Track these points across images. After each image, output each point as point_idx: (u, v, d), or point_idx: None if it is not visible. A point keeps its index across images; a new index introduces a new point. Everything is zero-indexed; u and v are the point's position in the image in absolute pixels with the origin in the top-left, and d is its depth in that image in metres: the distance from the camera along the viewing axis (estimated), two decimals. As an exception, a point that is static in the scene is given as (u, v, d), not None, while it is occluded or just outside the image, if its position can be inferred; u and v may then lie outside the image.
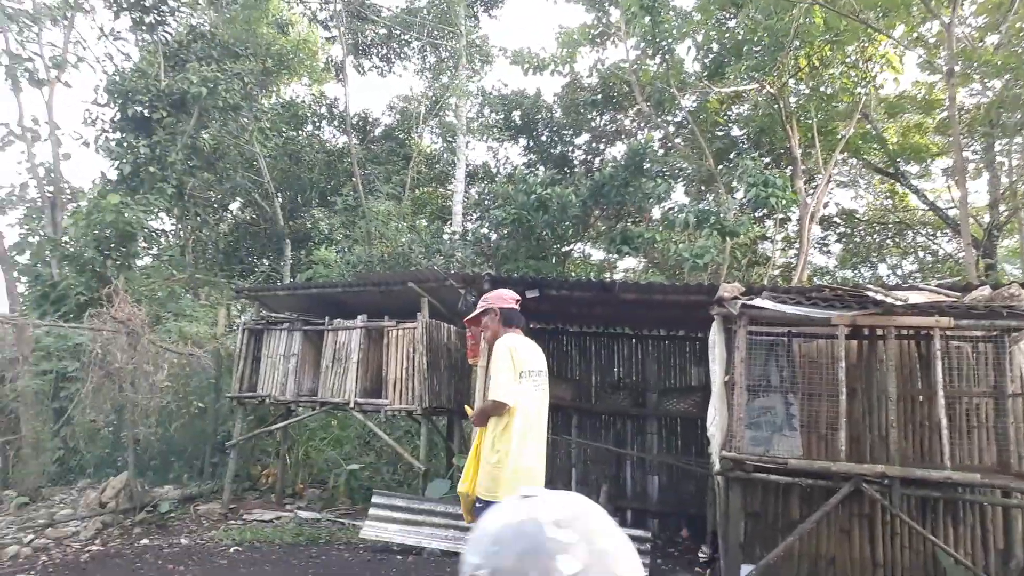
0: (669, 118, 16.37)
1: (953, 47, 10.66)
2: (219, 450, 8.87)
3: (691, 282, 8.15)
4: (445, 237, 14.45)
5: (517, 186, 12.14)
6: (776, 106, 13.35)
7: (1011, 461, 4.56)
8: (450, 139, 18.44)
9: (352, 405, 7.60)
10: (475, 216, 17.72)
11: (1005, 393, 4.78)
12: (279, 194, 17.31)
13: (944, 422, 4.42)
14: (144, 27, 14.55)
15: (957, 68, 10.88)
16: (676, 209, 11.76)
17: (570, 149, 18.20)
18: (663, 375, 8.15)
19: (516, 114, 17.50)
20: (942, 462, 4.40)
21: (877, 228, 18.25)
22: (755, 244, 16.08)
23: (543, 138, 17.91)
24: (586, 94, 16.83)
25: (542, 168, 16.81)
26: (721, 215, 10.83)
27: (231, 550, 6.29)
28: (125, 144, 13.04)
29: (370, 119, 19.91)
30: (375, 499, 6.71)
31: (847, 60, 13.38)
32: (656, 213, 14.40)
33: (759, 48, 12.93)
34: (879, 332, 5.11)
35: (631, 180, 11.85)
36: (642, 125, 17.25)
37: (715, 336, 5.12)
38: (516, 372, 3.92)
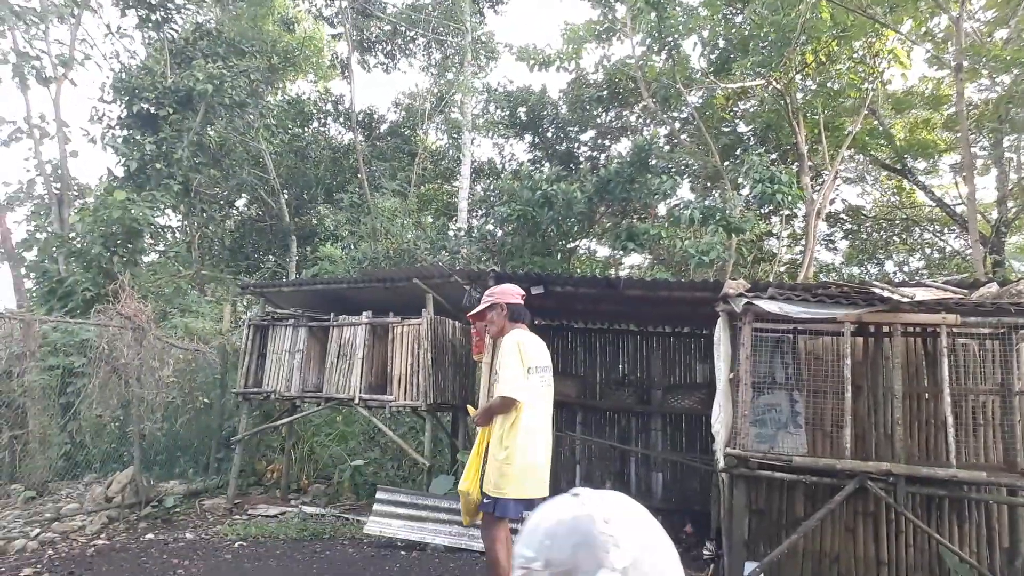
0: (675, 114, 16.32)
1: (962, 42, 10.58)
2: (224, 445, 8.91)
3: (696, 279, 8.11)
4: (450, 233, 14.46)
5: (522, 182, 12.12)
6: (783, 102, 13.29)
7: (1017, 459, 4.53)
8: (455, 135, 18.44)
9: (357, 401, 7.62)
10: (480, 212, 17.72)
11: (1012, 391, 4.74)
12: (285, 190, 17.34)
13: (950, 420, 4.39)
14: (150, 24, 14.60)
15: (966, 63, 10.80)
16: (682, 205, 11.71)
17: (575, 145, 18.18)
18: (668, 372, 8.13)
19: (521, 110, 17.49)
20: (948, 460, 4.37)
21: (884, 225, 18.17)
22: (761, 240, 16.04)
23: (548, 134, 17.89)
24: (592, 90, 16.80)
25: (547, 164, 16.80)
26: (727, 211, 10.79)
27: (236, 545, 6.32)
28: (131, 141, 13.10)
29: (376, 116, 19.92)
30: (379, 495, 6.73)
31: (854, 55, 13.31)
32: (662, 209, 14.36)
33: (765, 44, 12.87)
34: (885, 329, 5.08)
35: (637, 176, 11.81)
36: (648, 121, 17.20)
37: (720, 333, 5.10)
38: (524, 368, 3.93)
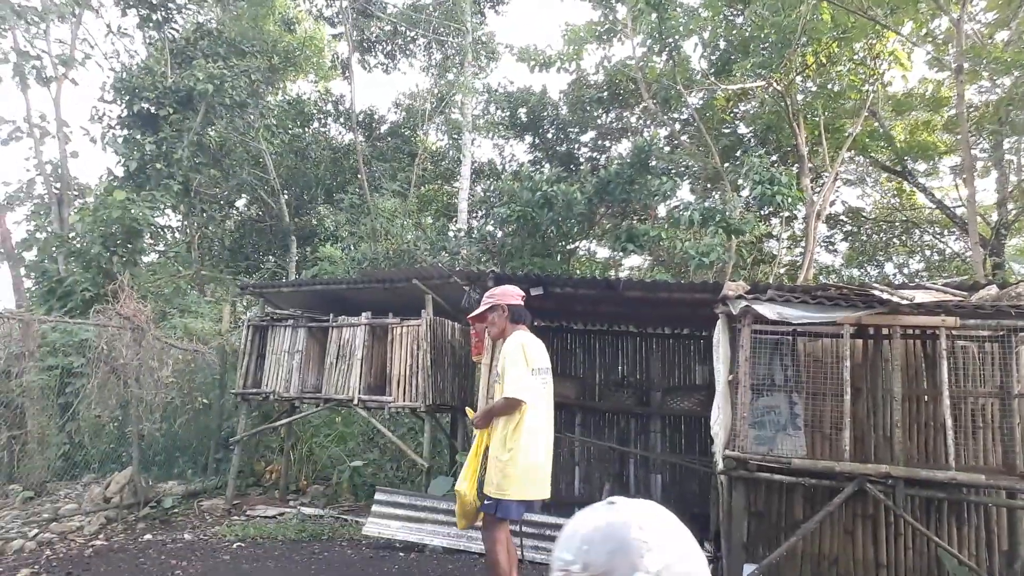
0: (675, 115, 16.33)
1: (962, 44, 10.58)
2: (223, 446, 8.90)
3: (696, 280, 8.11)
4: (450, 234, 14.46)
5: (522, 183, 12.12)
6: (783, 103, 13.29)
7: (1016, 462, 4.52)
8: (456, 136, 18.44)
9: (356, 402, 7.61)
10: (480, 213, 17.72)
11: (1011, 393, 4.73)
12: (285, 191, 17.34)
13: (949, 422, 4.38)
14: (151, 24, 14.62)
15: (966, 65, 10.80)
16: (681, 207, 11.71)
17: (576, 146, 18.18)
18: (667, 373, 8.12)
19: (522, 111, 17.49)
20: (947, 463, 4.36)
21: (884, 226, 18.16)
22: (761, 242, 16.04)
23: (549, 135, 17.89)
24: (592, 91, 16.80)
25: (548, 165, 16.80)
26: (727, 213, 10.78)
27: (234, 546, 6.31)
28: (132, 141, 13.10)
29: (376, 116, 19.93)
30: (378, 496, 6.72)
31: (855, 57, 13.31)
32: (662, 211, 14.37)
33: (766, 45, 12.87)
34: (884, 331, 5.08)
35: (637, 178, 11.81)
36: (648, 122, 17.21)
37: (719, 335, 5.09)
38: (529, 369, 3.94)
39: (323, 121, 19.86)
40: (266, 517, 7.40)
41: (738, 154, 14.96)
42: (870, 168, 17.28)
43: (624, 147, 17.15)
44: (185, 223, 17.17)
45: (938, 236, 17.58)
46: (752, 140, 15.71)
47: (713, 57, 14.59)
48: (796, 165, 14.24)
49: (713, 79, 14.02)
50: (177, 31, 15.09)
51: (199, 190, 15.26)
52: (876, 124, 14.79)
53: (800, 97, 13.81)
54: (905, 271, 18.18)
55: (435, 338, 7.60)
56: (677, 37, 13.58)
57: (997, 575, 4.93)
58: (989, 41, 12.72)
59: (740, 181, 12.92)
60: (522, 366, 3.91)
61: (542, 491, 3.99)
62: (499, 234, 13.44)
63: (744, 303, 4.78)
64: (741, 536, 4.90)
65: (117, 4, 14.10)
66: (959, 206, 15.34)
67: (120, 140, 13.28)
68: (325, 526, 7.07)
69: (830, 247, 18.74)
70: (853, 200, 25.06)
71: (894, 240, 18.26)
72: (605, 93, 16.61)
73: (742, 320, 4.85)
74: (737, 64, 13.19)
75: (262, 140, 15.62)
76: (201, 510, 7.61)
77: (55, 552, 5.90)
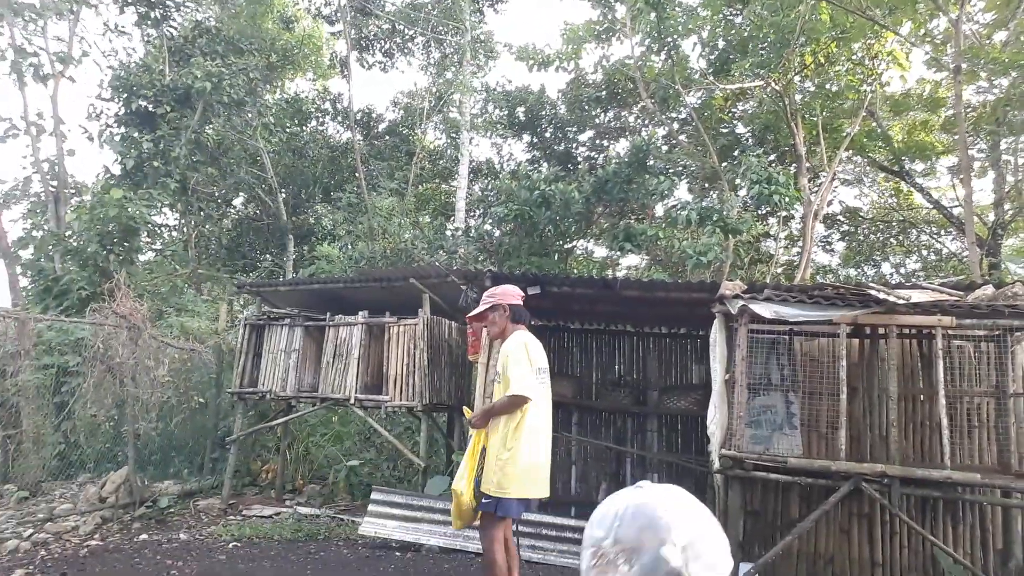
0: (673, 115, 16.33)
1: (960, 44, 10.59)
2: (219, 446, 8.88)
3: (693, 279, 8.11)
4: (448, 233, 14.43)
5: (520, 182, 12.10)
6: (781, 103, 13.29)
7: (1011, 461, 4.53)
8: (454, 135, 18.43)
9: (352, 401, 7.60)
10: (478, 212, 17.71)
11: (1007, 393, 4.74)
12: (282, 190, 17.32)
13: (945, 422, 4.38)
14: (149, 22, 14.59)
15: (964, 65, 10.80)
16: (679, 206, 11.70)
17: (574, 146, 18.18)
18: (664, 373, 8.12)
19: (520, 110, 17.48)
20: (942, 462, 4.37)
21: (881, 226, 18.19)
22: (758, 242, 16.04)
23: (547, 134, 17.88)
24: (590, 90, 16.80)
25: (546, 164, 16.79)
26: (724, 212, 10.78)
27: (230, 546, 6.30)
28: (129, 139, 13.06)
29: (374, 115, 19.90)
30: (374, 495, 6.71)
31: (853, 57, 13.32)
32: (659, 210, 14.36)
33: (765, 45, 12.87)
34: (881, 331, 5.08)
35: (634, 177, 11.80)
36: (646, 122, 17.21)
37: (716, 334, 5.09)
38: (533, 368, 3.96)
39: (321, 120, 19.84)
40: (262, 517, 7.38)
41: (736, 154, 14.94)
42: (868, 168, 17.30)
43: (622, 146, 17.16)
44: (182, 221, 17.14)
45: (935, 236, 17.60)
46: (750, 140, 15.71)
47: (712, 57, 14.59)
48: (794, 165, 14.24)
49: (711, 79, 14.02)
50: (175, 29, 15.06)
51: (196, 188, 15.24)
52: (874, 124, 14.80)
53: (798, 97, 13.81)
54: (902, 271, 18.21)
55: (432, 337, 7.59)
56: (676, 36, 13.58)
57: (992, 574, 4.93)
58: (987, 42, 12.73)
59: (738, 180, 12.92)
60: (525, 365, 3.93)
61: (541, 490, 4.01)
62: (497, 233, 13.42)
63: (741, 302, 4.79)
64: (737, 535, 4.90)
65: (115, 1, 14.08)
66: (956, 206, 15.36)
67: (117, 138, 13.25)
68: (321, 526, 7.06)
69: (827, 247, 18.76)
70: (850, 200, 25.10)
71: (891, 240, 18.28)
72: (603, 92, 16.61)
73: (739, 319, 4.86)
74: (736, 64, 13.19)
75: (260, 138, 15.59)
76: (197, 510, 7.59)
77: (50, 552, 5.89)
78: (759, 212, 14.08)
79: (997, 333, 4.76)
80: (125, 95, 13.18)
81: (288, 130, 17.34)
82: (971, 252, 10.89)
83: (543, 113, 17.50)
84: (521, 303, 4.33)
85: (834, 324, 4.68)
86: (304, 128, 18.59)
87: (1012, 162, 14.53)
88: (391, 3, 18.71)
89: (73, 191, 13.60)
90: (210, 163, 15.24)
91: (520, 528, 5.25)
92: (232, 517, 7.39)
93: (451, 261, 12.47)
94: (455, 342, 8.25)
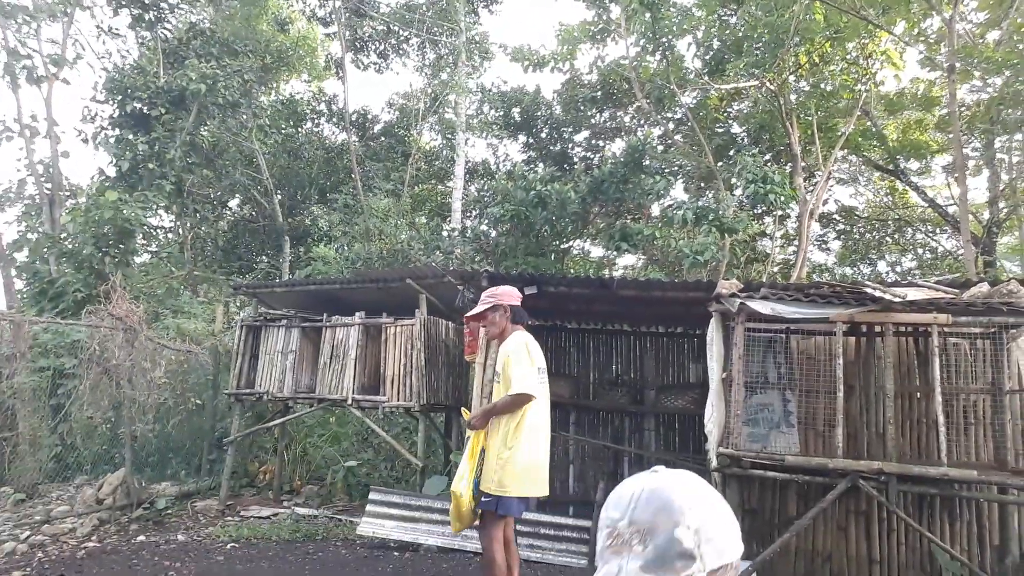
0: (669, 115, 16.36)
1: (954, 43, 10.64)
2: (216, 447, 8.86)
3: (690, 279, 8.13)
4: (444, 234, 14.43)
5: (516, 183, 12.11)
6: (776, 103, 13.32)
7: (1008, 458, 4.55)
8: (449, 136, 18.41)
9: (350, 402, 7.59)
10: (474, 213, 17.71)
11: (1002, 390, 4.77)
12: (278, 191, 17.29)
13: (941, 419, 4.40)
14: (143, 24, 14.54)
15: (958, 65, 10.86)
16: (675, 206, 11.73)
17: (570, 146, 18.19)
18: (661, 372, 8.14)
19: (516, 111, 17.49)
20: (939, 459, 4.39)
21: (876, 225, 18.24)
22: (754, 241, 16.07)
23: (543, 135, 17.89)
24: (586, 91, 16.81)
25: (541, 165, 16.80)
26: (720, 212, 10.81)
27: (228, 546, 6.29)
28: (124, 141, 13.02)
29: (369, 116, 19.89)
30: (372, 495, 6.71)
31: (847, 57, 13.36)
32: (655, 210, 14.38)
33: (759, 45, 12.90)
34: (877, 329, 5.10)
35: (630, 177, 11.82)
36: (642, 122, 17.23)
37: (713, 333, 5.10)
38: (534, 367, 3.99)
39: (316, 121, 19.81)
40: (260, 518, 7.37)
41: (731, 153, 14.99)
42: (863, 167, 17.36)
43: (618, 146, 17.17)
44: (178, 223, 17.09)
45: (930, 234, 17.66)
46: (745, 139, 15.75)
47: (707, 57, 14.62)
48: (789, 164, 14.28)
49: (706, 78, 14.05)
50: (170, 31, 15.02)
51: (192, 190, 15.19)
52: (869, 123, 14.85)
53: (793, 96, 13.85)
54: (898, 269, 18.27)
55: (429, 338, 7.59)
56: (671, 37, 13.61)
57: (988, 570, 4.95)
58: (980, 41, 12.79)
59: (733, 180, 12.95)
60: (527, 364, 3.96)
61: (541, 488, 4.03)
62: (493, 234, 13.43)
63: (739, 300, 4.80)
64: (735, 533, 4.90)
65: (109, 4, 14.03)
66: (951, 204, 15.42)
67: (112, 140, 13.21)
68: (319, 526, 7.05)
69: (823, 246, 18.81)
70: (846, 199, 25.02)
71: (887, 238, 18.33)
72: (599, 93, 16.62)
73: (736, 318, 4.87)
74: (730, 64, 13.22)
75: (255, 140, 15.56)
76: (195, 511, 7.57)
77: (47, 554, 5.87)
78: (755, 211, 14.12)
79: (992, 330, 4.79)
80: (120, 97, 13.14)
81: (283, 132, 17.31)
82: (966, 250, 10.94)
83: (539, 114, 17.51)
84: (519, 304, 4.36)
85: (830, 322, 4.70)
86: (299, 130, 18.56)
87: (1006, 160, 14.59)
88: (386, 4, 18.70)
89: (68, 193, 13.58)
90: (205, 165, 15.20)
91: (518, 527, 5.25)
92: (230, 518, 7.38)
93: (447, 262, 12.47)
94: (452, 342, 8.25)
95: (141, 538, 6.48)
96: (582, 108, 17.10)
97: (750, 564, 4.86)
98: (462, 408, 5.44)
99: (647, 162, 12.29)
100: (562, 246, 14.62)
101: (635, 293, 6.19)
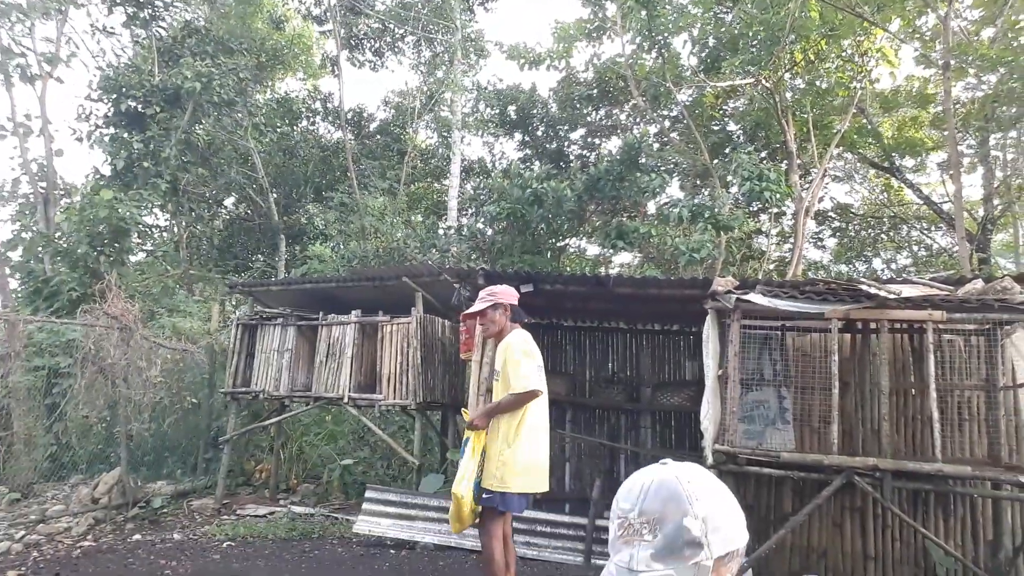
0: (665, 112, 16.36)
1: (949, 41, 10.66)
2: (212, 446, 8.85)
3: (686, 276, 8.13)
4: (440, 232, 14.42)
5: (512, 181, 12.10)
6: (772, 101, 13.34)
7: (1001, 454, 4.57)
8: (445, 134, 18.39)
9: (346, 400, 7.59)
10: (470, 211, 17.70)
11: (996, 386, 4.79)
12: (274, 189, 17.24)
13: (936, 415, 4.42)
14: (138, 22, 14.48)
15: (953, 62, 10.87)
16: (671, 203, 11.73)
17: (565, 144, 18.18)
18: (657, 369, 8.15)
19: (511, 109, 17.47)
20: (933, 455, 4.40)
21: (872, 222, 18.29)
22: (750, 238, 16.10)
23: (538, 133, 17.88)
24: (582, 89, 16.80)
25: (537, 163, 16.75)
26: (716, 209, 10.82)
27: (224, 545, 6.28)
28: (119, 139, 12.98)
29: (365, 114, 19.85)
30: (368, 494, 6.71)
31: (843, 54, 13.38)
32: (651, 208, 14.40)
33: (755, 42, 12.91)
34: (872, 326, 5.11)
35: (626, 175, 11.82)
36: (638, 120, 17.24)
37: (709, 330, 5.11)
38: (535, 364, 4.02)
39: (312, 119, 19.77)
40: (256, 516, 7.37)
41: (727, 151, 15.00)
42: (858, 164, 17.39)
43: (614, 144, 17.18)
44: (173, 222, 17.04)
45: (925, 232, 17.71)
46: (741, 137, 15.77)
47: (702, 54, 14.63)
48: (785, 162, 14.31)
49: (702, 76, 14.06)
50: (164, 29, 14.96)
51: (187, 189, 15.15)
52: (864, 121, 14.88)
53: (789, 94, 13.87)
54: (893, 266, 18.32)
55: (425, 336, 7.59)
56: (666, 34, 13.61)
57: (982, 565, 4.98)
58: (975, 38, 12.81)
59: (729, 178, 12.96)
60: (528, 361, 3.98)
61: (542, 485, 4.11)
62: (489, 232, 13.42)
63: (734, 297, 4.81)
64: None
65: (104, 1, 13.97)
66: (946, 202, 15.47)
67: (107, 139, 13.16)
68: (316, 524, 7.05)
69: (819, 243, 18.85)
70: (841, 196, 25.12)
71: (882, 236, 18.38)
72: (595, 90, 16.62)
73: (731, 315, 4.88)
74: (726, 61, 13.22)
75: (251, 138, 15.51)
76: (191, 510, 7.57)
77: (42, 554, 5.86)
78: (751, 209, 14.14)
79: (987, 327, 4.80)
80: (114, 96, 13.08)
81: (279, 130, 17.26)
82: (961, 247, 10.97)
83: (534, 111, 17.50)
84: (517, 303, 4.39)
85: (826, 319, 4.71)
86: (295, 128, 18.51)
87: (1001, 158, 14.65)
88: (381, 2, 18.67)
89: (62, 192, 13.51)
90: (200, 163, 15.16)
91: (515, 524, 5.25)
92: (226, 517, 7.37)
93: (444, 260, 12.46)
94: (448, 340, 8.24)
95: (137, 537, 6.47)
96: (578, 106, 17.10)
97: (746, 560, 4.87)
98: (462, 409, 5.44)
99: (643, 160, 12.29)
100: (558, 244, 14.63)
101: (631, 291, 6.20)
